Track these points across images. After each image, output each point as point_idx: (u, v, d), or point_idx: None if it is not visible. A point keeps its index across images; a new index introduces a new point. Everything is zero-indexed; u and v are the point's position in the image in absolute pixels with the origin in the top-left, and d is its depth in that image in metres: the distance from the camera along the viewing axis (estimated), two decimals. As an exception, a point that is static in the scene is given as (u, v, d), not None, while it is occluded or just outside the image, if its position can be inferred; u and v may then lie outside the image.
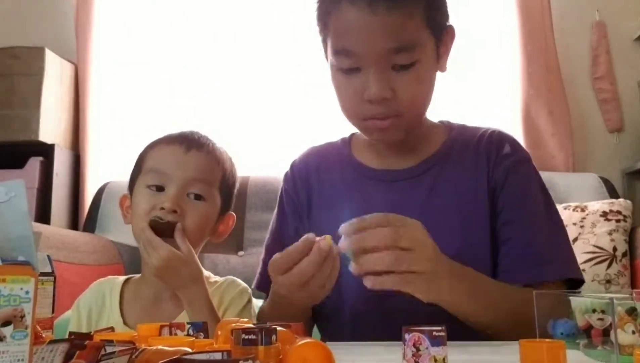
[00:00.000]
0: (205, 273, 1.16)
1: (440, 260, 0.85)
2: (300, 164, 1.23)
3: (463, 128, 1.17)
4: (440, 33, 1.02)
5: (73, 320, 1.16)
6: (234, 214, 1.25)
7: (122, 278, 1.22)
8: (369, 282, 0.80)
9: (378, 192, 1.11)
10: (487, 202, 1.06)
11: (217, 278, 1.21)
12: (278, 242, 1.15)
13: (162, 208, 1.09)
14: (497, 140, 1.11)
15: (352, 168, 1.17)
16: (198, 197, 1.13)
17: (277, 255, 0.86)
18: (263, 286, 1.15)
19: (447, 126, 1.17)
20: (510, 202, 1.06)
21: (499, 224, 1.05)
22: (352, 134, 1.23)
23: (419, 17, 0.96)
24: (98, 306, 1.15)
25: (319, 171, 1.20)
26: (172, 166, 1.13)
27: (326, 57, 1.07)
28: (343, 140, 1.23)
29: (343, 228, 0.81)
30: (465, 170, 1.10)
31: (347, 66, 0.99)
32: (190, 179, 1.12)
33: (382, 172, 1.13)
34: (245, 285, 1.19)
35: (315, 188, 1.18)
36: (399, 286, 0.81)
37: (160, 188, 1.12)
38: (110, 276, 1.23)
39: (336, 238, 0.83)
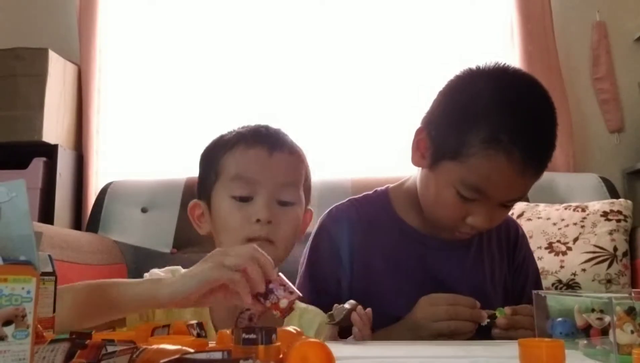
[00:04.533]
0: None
1: None
2: (343, 214, 1.25)
3: None
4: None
5: None
6: (311, 209, 1.21)
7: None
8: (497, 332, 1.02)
9: (430, 257, 1.20)
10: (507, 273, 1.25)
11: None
12: (314, 281, 1.19)
13: (258, 220, 1.05)
14: (512, 222, 1.31)
15: (401, 229, 1.22)
16: (286, 202, 1.09)
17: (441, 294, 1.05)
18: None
19: None
20: (527, 271, 1.27)
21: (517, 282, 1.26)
22: (387, 188, 1.27)
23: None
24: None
25: (362, 221, 1.22)
26: (259, 173, 1.08)
27: (422, 151, 1.14)
28: (380, 194, 1.27)
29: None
30: (494, 247, 1.26)
31: (471, 197, 1.07)
32: (279, 185, 1.09)
33: (428, 238, 1.20)
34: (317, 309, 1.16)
35: (360, 241, 1.20)
36: None
37: (247, 198, 1.08)
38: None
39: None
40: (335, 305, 0.99)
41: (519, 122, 1.04)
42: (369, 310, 0.97)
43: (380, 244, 1.20)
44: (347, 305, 0.97)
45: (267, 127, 1.16)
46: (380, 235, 1.20)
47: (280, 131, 1.17)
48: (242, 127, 1.17)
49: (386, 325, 1.07)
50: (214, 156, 1.14)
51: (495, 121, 1.03)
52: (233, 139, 1.13)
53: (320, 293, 1.16)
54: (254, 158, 1.09)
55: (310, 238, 1.26)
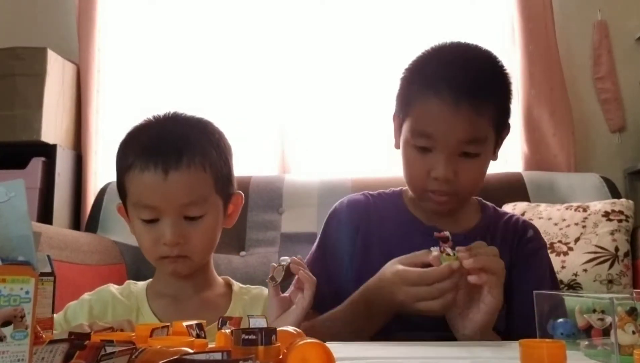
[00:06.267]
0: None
1: None
2: (355, 203, 1.29)
3: (495, 209, 1.32)
4: (501, 131, 1.19)
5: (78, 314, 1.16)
6: (240, 193, 1.23)
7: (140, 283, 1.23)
8: (473, 278, 0.96)
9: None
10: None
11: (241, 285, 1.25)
12: (323, 268, 1.18)
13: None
14: (522, 226, 1.27)
15: (407, 220, 1.25)
16: (194, 217, 1.11)
17: (410, 269, 1.00)
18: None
19: (480, 203, 1.31)
20: (526, 279, 1.20)
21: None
22: (402, 189, 1.32)
23: (488, 119, 1.13)
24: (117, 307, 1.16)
25: (374, 215, 1.26)
26: (158, 200, 1.09)
27: (396, 133, 1.22)
28: (394, 192, 1.32)
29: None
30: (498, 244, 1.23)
31: (422, 145, 1.13)
32: (181, 206, 1.10)
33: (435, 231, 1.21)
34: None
35: (367, 230, 1.24)
36: (492, 286, 0.97)
37: (153, 220, 1.10)
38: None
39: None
40: (272, 264, 1.00)
41: (448, 66, 1.14)
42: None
43: (388, 234, 1.22)
44: (283, 262, 0.98)
45: (168, 132, 1.15)
46: (389, 226, 1.24)
47: (183, 133, 1.15)
48: (145, 124, 1.20)
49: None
50: (120, 169, 1.16)
51: (427, 71, 1.16)
52: (128, 158, 1.13)
53: (329, 276, 1.18)
54: (150, 183, 1.09)
55: (324, 223, 1.30)
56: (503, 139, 1.23)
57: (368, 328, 1.07)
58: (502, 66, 1.20)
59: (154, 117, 1.20)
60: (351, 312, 1.09)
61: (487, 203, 1.33)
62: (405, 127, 1.17)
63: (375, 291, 1.06)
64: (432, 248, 1.00)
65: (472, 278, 0.96)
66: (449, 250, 0.98)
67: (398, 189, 1.33)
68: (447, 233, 0.99)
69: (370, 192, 1.33)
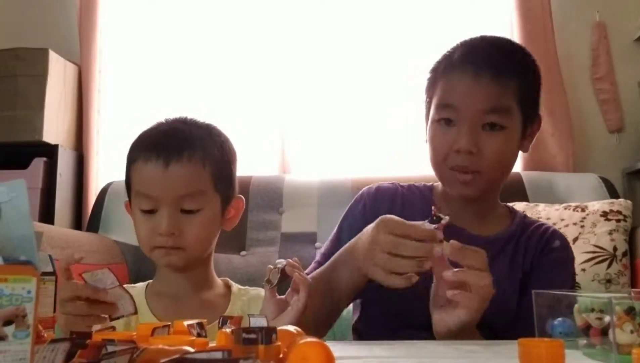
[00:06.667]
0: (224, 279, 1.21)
1: None
2: (382, 192, 1.29)
3: (525, 217, 1.30)
4: (528, 114, 1.18)
5: None
6: (242, 197, 1.26)
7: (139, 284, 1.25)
8: (450, 293, 0.93)
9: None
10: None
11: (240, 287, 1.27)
12: (337, 248, 1.14)
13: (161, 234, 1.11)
14: (550, 234, 1.25)
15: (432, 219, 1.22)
16: (191, 211, 1.13)
17: (395, 217, 0.97)
18: None
19: (511, 210, 1.30)
20: (541, 286, 1.10)
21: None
22: (432, 186, 1.31)
23: (511, 92, 1.14)
24: None
25: (402, 205, 1.25)
26: (156, 189, 1.13)
27: (426, 119, 1.22)
28: (426, 186, 1.32)
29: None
30: (521, 251, 1.23)
31: (445, 116, 1.15)
32: (178, 198, 1.13)
33: (460, 230, 1.17)
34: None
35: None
36: (466, 305, 0.94)
37: (151, 211, 1.13)
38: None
39: None
40: (269, 267, 0.99)
41: (472, 47, 1.18)
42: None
43: None
44: (279, 265, 0.98)
45: (174, 130, 1.19)
46: (414, 219, 1.16)
47: (188, 132, 1.19)
48: (156, 124, 1.22)
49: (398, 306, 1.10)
50: (127, 164, 1.19)
51: (453, 55, 1.19)
52: (135, 152, 1.17)
53: None
54: (151, 173, 1.13)
55: (350, 204, 1.31)
56: (533, 130, 1.22)
57: (341, 289, 1.06)
58: (526, 50, 1.24)
59: (165, 119, 1.25)
60: (331, 268, 1.08)
61: (518, 211, 1.31)
62: (432, 109, 1.19)
63: (351, 248, 1.05)
64: (425, 223, 0.96)
65: (449, 293, 0.93)
66: (440, 234, 0.93)
67: (430, 184, 1.32)
68: (447, 218, 0.96)
69: (402, 183, 1.32)
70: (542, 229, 1.25)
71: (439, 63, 1.22)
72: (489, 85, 1.12)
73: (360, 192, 1.31)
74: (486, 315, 0.97)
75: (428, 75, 1.24)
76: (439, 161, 1.17)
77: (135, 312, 0.93)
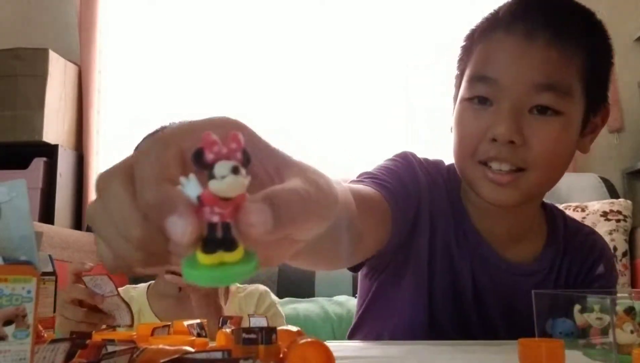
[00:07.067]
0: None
1: None
2: (423, 171, 0.98)
3: (564, 221, 1.04)
4: (594, 99, 0.88)
5: None
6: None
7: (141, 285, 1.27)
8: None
9: (486, 276, 0.95)
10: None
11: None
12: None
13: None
14: (595, 258, 1.01)
15: (463, 227, 0.96)
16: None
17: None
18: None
19: (546, 210, 1.03)
20: None
21: None
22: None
23: (576, 66, 0.84)
24: None
25: (432, 201, 0.96)
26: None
27: (454, 99, 0.93)
28: (449, 170, 0.99)
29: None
30: (563, 276, 1.00)
31: (481, 94, 0.85)
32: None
33: (494, 255, 0.95)
34: (264, 288, 1.26)
35: (425, 210, 0.95)
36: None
37: None
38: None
39: None
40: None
41: (521, 3, 0.86)
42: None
43: (444, 235, 0.95)
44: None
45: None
46: (445, 223, 0.96)
47: None
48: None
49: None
50: None
51: (498, 9, 0.88)
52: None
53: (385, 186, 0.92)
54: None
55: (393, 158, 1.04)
56: (597, 123, 0.92)
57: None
58: (596, 16, 0.89)
59: None
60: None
61: (554, 211, 1.05)
62: (463, 84, 0.89)
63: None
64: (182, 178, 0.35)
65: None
66: (222, 169, 0.33)
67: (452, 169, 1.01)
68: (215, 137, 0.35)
69: (447, 165, 1.02)
70: (587, 248, 1.01)
71: (479, 24, 0.90)
72: (544, 50, 0.81)
73: (404, 153, 1.02)
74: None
75: (463, 42, 0.93)
76: (466, 154, 0.87)
77: (132, 324, 0.92)
